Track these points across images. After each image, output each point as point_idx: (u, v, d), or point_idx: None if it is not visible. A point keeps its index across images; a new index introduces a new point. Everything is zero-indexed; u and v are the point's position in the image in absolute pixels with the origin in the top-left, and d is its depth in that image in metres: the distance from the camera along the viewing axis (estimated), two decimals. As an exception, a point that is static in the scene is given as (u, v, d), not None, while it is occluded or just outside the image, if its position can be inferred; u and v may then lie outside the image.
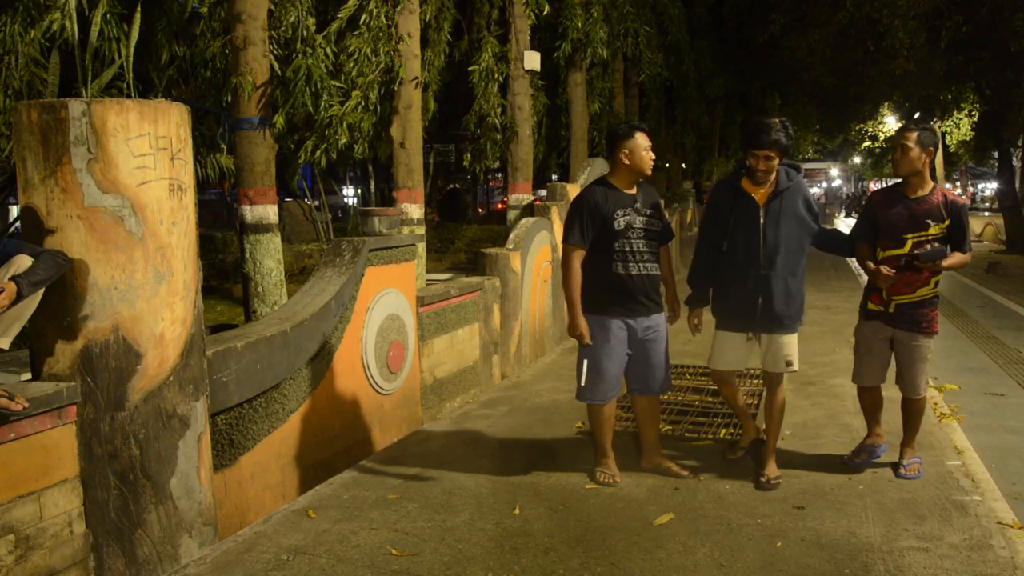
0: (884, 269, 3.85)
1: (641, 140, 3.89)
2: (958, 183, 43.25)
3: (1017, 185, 22.01)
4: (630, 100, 14.16)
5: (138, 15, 3.40)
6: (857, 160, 42.87)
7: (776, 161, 3.83)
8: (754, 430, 4.41)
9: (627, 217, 3.87)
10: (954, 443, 4.52)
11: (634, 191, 3.95)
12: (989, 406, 6.03)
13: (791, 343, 3.99)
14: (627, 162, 3.89)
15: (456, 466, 4.33)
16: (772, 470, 3.97)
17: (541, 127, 11.08)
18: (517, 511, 3.69)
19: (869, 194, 4.35)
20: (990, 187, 41.79)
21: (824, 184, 52.47)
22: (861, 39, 15.41)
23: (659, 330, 4.00)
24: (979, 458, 4.35)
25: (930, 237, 3.82)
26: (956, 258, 3.86)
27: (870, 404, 4.22)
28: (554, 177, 20.23)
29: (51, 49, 4.40)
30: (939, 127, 26.30)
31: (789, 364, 3.99)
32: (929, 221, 3.82)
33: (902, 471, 4.00)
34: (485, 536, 3.46)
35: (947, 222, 3.83)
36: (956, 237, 3.87)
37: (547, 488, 3.97)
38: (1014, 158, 24.25)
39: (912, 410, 4.09)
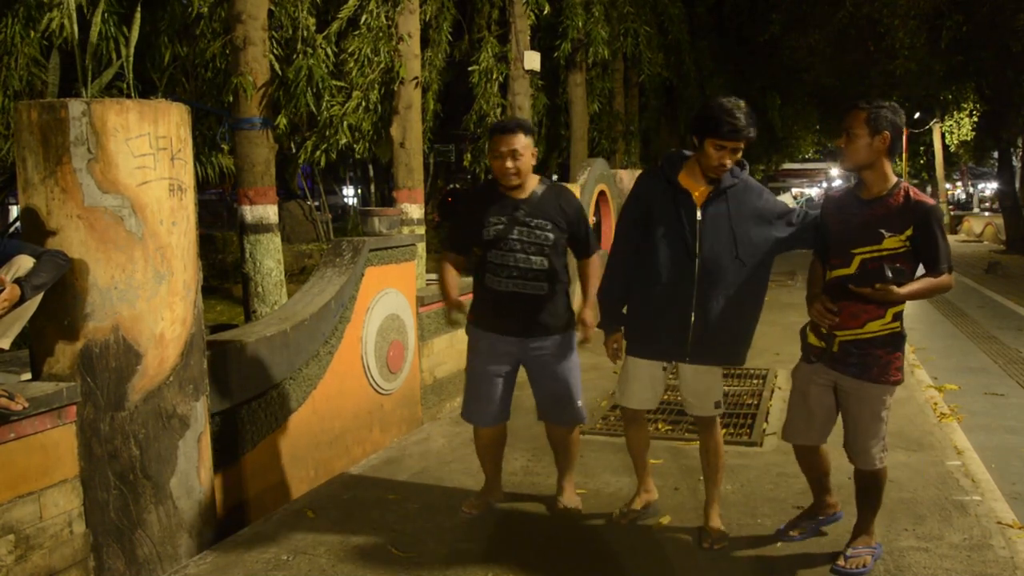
0: (819, 307, 2.96)
1: (495, 142, 3.33)
2: (959, 183, 43.21)
3: (1017, 185, 21.99)
4: (630, 100, 14.17)
5: (138, 15, 3.40)
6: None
7: (740, 154, 3.13)
8: (651, 490, 3.61)
9: (499, 227, 3.35)
10: (954, 443, 4.52)
11: (524, 196, 3.39)
12: (989, 406, 6.03)
13: (720, 378, 3.34)
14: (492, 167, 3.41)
15: (456, 466, 4.33)
16: (716, 523, 3.35)
17: (541, 127, 11.10)
18: (517, 511, 3.69)
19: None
20: (990, 187, 41.78)
21: (824, 184, 52.56)
22: (861, 39, 15.43)
23: (546, 355, 3.46)
24: (979, 458, 4.34)
25: (885, 253, 2.84)
26: (923, 283, 2.84)
27: (808, 468, 3.30)
28: (554, 177, 20.23)
29: (51, 49, 4.40)
30: (939, 127, 26.34)
31: (718, 406, 3.33)
32: (883, 231, 2.84)
33: (841, 564, 3.02)
34: (485, 536, 3.46)
35: (909, 231, 2.83)
36: (926, 252, 2.85)
37: (547, 488, 3.96)
38: (1014, 158, 24.24)
39: (866, 485, 3.09)
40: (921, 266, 2.92)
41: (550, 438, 3.69)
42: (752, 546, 3.28)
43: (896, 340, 2.94)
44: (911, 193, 2.89)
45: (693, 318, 3.16)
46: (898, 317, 2.93)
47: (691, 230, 3.15)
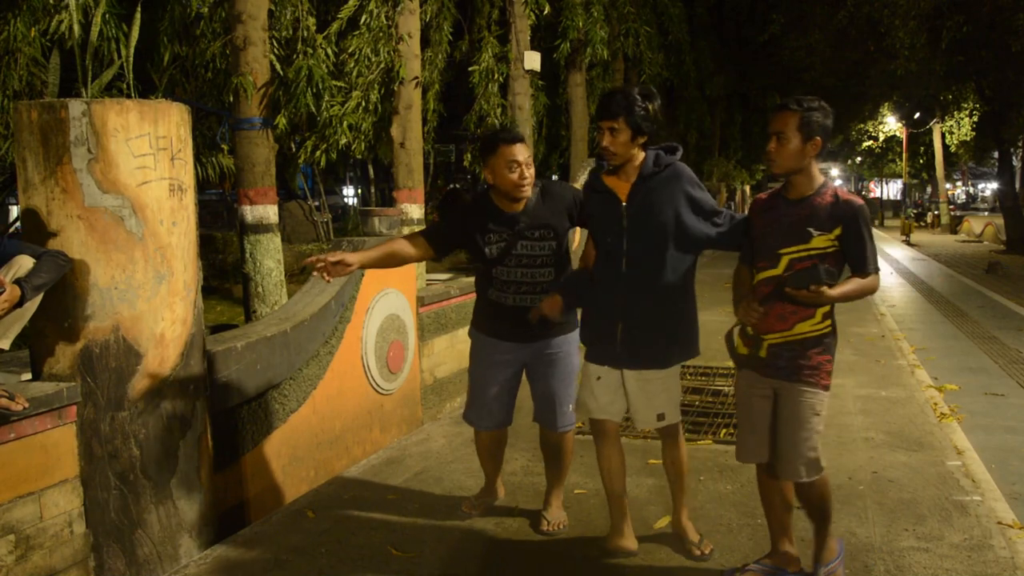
0: (744, 309, 2.79)
1: (505, 154, 3.18)
2: (959, 183, 43.22)
3: (1017, 185, 22.01)
4: (630, 100, 14.16)
5: (138, 15, 3.41)
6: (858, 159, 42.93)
7: (624, 137, 2.96)
8: (626, 538, 3.25)
9: (501, 244, 3.25)
10: (954, 443, 4.52)
11: (519, 208, 3.26)
12: (989, 406, 6.03)
13: (666, 386, 3.10)
14: (491, 181, 3.26)
15: (456, 466, 4.33)
16: (691, 532, 3.28)
17: (541, 127, 11.12)
18: (517, 511, 3.69)
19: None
20: (990, 187, 41.80)
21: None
22: (861, 39, 15.47)
23: (547, 355, 3.39)
24: (979, 458, 4.35)
25: (814, 252, 2.74)
26: (853, 284, 2.74)
27: (769, 495, 3.01)
28: (554, 177, 20.28)
29: (51, 49, 4.41)
30: (939, 127, 26.36)
31: (662, 418, 3.11)
32: (811, 230, 2.74)
33: None
34: (485, 536, 3.46)
35: (838, 231, 2.74)
36: (853, 253, 2.76)
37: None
38: (1014, 158, 24.27)
39: (808, 500, 2.92)
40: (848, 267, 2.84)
41: (543, 445, 3.60)
42: (753, 545, 3.28)
43: (827, 341, 2.82)
44: (839, 193, 2.80)
45: (621, 321, 3.04)
46: (828, 316, 2.81)
47: (616, 228, 3.04)
